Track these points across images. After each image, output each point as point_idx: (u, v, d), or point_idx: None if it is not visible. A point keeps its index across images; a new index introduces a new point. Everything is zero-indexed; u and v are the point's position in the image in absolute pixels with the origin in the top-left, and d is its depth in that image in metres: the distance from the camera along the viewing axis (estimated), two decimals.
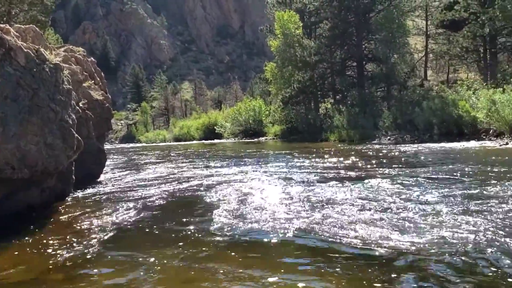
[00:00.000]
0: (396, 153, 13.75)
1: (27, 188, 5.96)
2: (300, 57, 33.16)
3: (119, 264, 3.77)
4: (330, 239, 4.10)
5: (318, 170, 9.85)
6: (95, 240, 4.54)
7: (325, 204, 5.65)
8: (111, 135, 75.64)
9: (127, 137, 76.76)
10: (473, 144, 15.82)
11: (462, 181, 7.13)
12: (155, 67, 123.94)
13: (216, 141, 41.27)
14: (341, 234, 4.24)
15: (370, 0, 32.83)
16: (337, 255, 3.68)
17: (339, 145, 21.53)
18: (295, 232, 4.42)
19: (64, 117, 6.09)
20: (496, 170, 8.31)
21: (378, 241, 3.95)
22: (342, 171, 9.40)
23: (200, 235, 4.53)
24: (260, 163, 12.37)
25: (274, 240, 4.23)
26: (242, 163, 12.66)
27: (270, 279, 3.19)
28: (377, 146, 18.20)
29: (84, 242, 4.44)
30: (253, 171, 10.37)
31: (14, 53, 5.42)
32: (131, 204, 6.43)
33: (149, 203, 6.55)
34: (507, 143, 14.76)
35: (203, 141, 44.37)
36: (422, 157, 12.09)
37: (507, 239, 3.82)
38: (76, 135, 6.39)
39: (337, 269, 3.34)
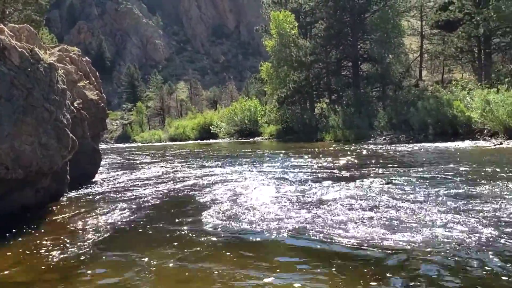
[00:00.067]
0: (391, 153, 13.79)
1: (22, 189, 5.94)
2: (295, 57, 33.20)
3: (113, 265, 3.76)
4: (324, 239, 4.11)
5: (313, 170, 9.87)
6: (90, 240, 4.53)
7: (319, 204, 5.67)
8: (106, 135, 75.42)
9: (122, 137, 76.53)
10: (467, 144, 15.90)
11: (454, 181, 7.16)
12: (150, 67, 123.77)
13: (211, 141, 41.24)
14: (334, 233, 4.25)
15: (365, 1, 32.92)
16: (331, 255, 3.70)
17: (334, 145, 21.55)
18: (290, 232, 4.43)
19: (59, 117, 6.07)
20: (490, 170, 8.35)
21: (372, 240, 3.97)
22: (337, 171, 9.43)
23: (194, 235, 4.53)
24: (255, 163, 12.38)
25: (268, 240, 4.23)
26: (237, 163, 12.66)
27: (266, 280, 3.19)
28: (372, 146, 18.25)
29: (79, 243, 4.43)
30: (248, 171, 10.37)
31: (8, 53, 5.40)
32: (126, 204, 6.41)
33: (144, 203, 6.54)
34: (501, 143, 14.84)
35: (199, 141, 44.33)
36: (416, 157, 12.13)
37: (498, 239, 3.84)
38: (71, 135, 6.38)
39: (332, 269, 3.34)
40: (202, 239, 4.37)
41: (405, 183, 7.13)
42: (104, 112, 10.44)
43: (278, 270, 3.39)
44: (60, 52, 9.46)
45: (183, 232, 4.66)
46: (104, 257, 3.96)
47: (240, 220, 4.99)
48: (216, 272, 3.41)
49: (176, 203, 6.68)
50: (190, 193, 7.36)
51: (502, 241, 3.79)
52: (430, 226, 4.34)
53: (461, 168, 8.73)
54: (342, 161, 11.98)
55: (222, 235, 4.47)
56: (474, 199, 5.50)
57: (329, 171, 9.57)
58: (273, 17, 34.00)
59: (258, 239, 4.29)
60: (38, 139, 5.60)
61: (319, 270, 3.36)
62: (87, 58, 10.85)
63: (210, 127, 48.48)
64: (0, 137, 5.04)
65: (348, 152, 15.10)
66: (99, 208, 6.24)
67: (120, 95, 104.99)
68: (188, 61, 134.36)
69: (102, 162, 11.38)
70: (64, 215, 5.91)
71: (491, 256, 3.44)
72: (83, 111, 8.87)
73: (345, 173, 9.01)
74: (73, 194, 7.75)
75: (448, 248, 3.66)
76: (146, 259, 3.78)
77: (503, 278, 3.05)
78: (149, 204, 6.53)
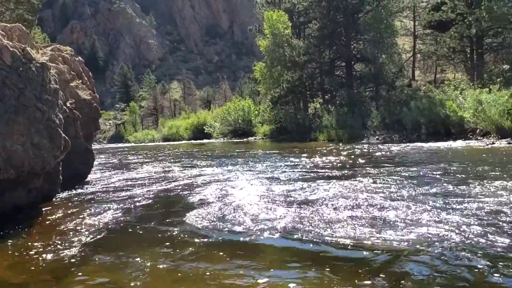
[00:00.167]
0: (383, 153, 13.85)
1: (13, 189, 5.90)
2: (289, 57, 33.23)
3: (107, 265, 3.75)
4: (315, 239, 4.12)
5: (305, 170, 9.89)
6: (83, 241, 4.51)
7: (310, 204, 5.69)
8: (99, 135, 75.15)
9: (115, 137, 76.24)
10: (459, 143, 16.00)
11: (444, 180, 7.20)
12: (143, 66, 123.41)
13: (205, 141, 41.19)
14: (325, 233, 4.27)
15: (359, 1, 33.01)
16: (323, 255, 3.71)
17: (328, 144, 21.60)
18: (281, 231, 4.43)
19: (51, 116, 6.03)
20: (480, 169, 8.42)
21: (362, 240, 3.99)
22: (329, 171, 9.45)
23: (186, 235, 4.52)
24: (248, 163, 12.38)
25: (260, 240, 4.23)
26: (230, 163, 12.66)
27: (260, 280, 3.19)
28: (365, 146, 18.31)
29: (72, 243, 4.41)
30: (241, 170, 10.38)
31: None
32: (118, 205, 6.40)
33: (137, 203, 6.52)
34: (493, 143, 14.94)
35: (192, 141, 44.26)
36: (409, 157, 12.19)
37: (486, 238, 3.86)
38: (63, 135, 6.34)
39: (326, 269, 3.35)
40: (194, 239, 4.36)
41: (396, 183, 7.17)
42: (97, 112, 10.39)
43: (271, 270, 3.40)
44: (53, 51, 9.41)
45: (175, 232, 4.65)
46: (97, 258, 3.95)
47: (232, 220, 4.99)
48: (210, 272, 3.40)
49: (168, 203, 6.67)
50: (183, 193, 7.35)
51: (490, 240, 3.81)
52: (419, 225, 4.37)
53: (452, 168, 8.78)
54: (335, 161, 12.01)
55: (214, 235, 4.47)
56: (463, 198, 5.53)
57: (321, 170, 9.60)
58: (267, 17, 34.01)
59: (250, 239, 4.29)
60: (30, 139, 5.56)
61: (312, 270, 3.36)
62: (80, 57, 10.80)
63: (204, 127, 48.41)
64: None
65: (341, 152, 15.14)
66: (91, 209, 6.21)
67: (113, 95, 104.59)
68: (181, 61, 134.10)
69: (95, 162, 11.33)
70: (56, 216, 5.88)
71: (478, 256, 3.46)
72: (76, 111, 8.82)
73: (337, 173, 9.04)
74: (65, 194, 7.72)
75: (436, 247, 3.68)
76: (139, 260, 3.77)
77: (490, 277, 3.06)
78: (142, 204, 6.52)
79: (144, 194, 7.35)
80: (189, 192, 7.35)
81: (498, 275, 3.09)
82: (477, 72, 27.15)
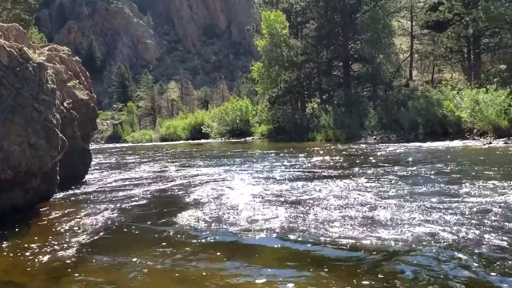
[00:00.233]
0: (381, 153, 13.86)
1: (11, 189, 5.88)
2: (286, 57, 33.22)
3: (103, 265, 3.74)
4: (312, 239, 4.13)
5: (302, 170, 9.90)
6: (80, 241, 4.50)
7: (307, 204, 5.71)
8: (97, 135, 74.92)
9: (113, 137, 76.10)
10: (457, 143, 16.03)
11: (440, 180, 7.22)
12: (141, 66, 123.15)
13: (203, 141, 41.16)
14: (321, 233, 4.28)
15: (356, 1, 33.00)
16: (320, 254, 3.72)
17: (325, 144, 21.62)
18: (278, 232, 4.44)
19: (48, 117, 6.02)
20: (477, 169, 8.45)
21: (362, 240, 4.01)
22: (326, 171, 9.46)
23: (184, 235, 4.53)
24: (245, 163, 12.39)
25: (258, 240, 4.24)
26: (228, 163, 12.66)
27: (258, 281, 3.19)
28: (362, 146, 18.33)
29: (69, 243, 4.41)
30: (238, 171, 10.38)
31: None
32: (115, 205, 6.39)
33: (134, 203, 6.52)
34: (490, 142, 14.98)
35: (190, 141, 44.22)
36: (406, 157, 12.20)
37: (479, 238, 3.87)
38: (61, 135, 6.33)
39: (324, 269, 3.35)
40: (192, 239, 4.37)
41: (391, 183, 7.19)
42: (94, 112, 10.38)
43: (269, 270, 3.40)
44: (50, 51, 9.39)
45: (172, 233, 4.65)
46: (94, 258, 3.94)
47: (229, 220, 5.00)
48: (208, 272, 3.40)
49: (166, 203, 6.67)
50: (180, 193, 7.35)
51: (483, 240, 3.83)
52: (413, 225, 4.38)
53: (449, 167, 8.80)
54: (332, 160, 12.03)
55: (211, 235, 4.47)
56: (458, 198, 5.56)
57: (318, 170, 9.61)
58: (264, 17, 33.99)
59: (247, 239, 4.30)
60: (27, 139, 5.55)
61: (310, 269, 3.37)
62: (77, 57, 10.79)
63: (201, 127, 48.34)
64: None
65: (338, 152, 15.16)
66: (88, 209, 6.21)
67: (111, 95, 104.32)
68: (179, 61, 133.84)
69: (93, 162, 11.32)
70: (53, 216, 5.87)
71: (471, 255, 3.47)
72: (73, 111, 8.81)
73: (333, 173, 9.06)
74: (63, 194, 7.71)
75: (430, 247, 3.70)
76: (137, 260, 3.76)
77: (482, 277, 3.07)
78: (139, 204, 6.52)
79: (141, 194, 7.35)
80: (186, 192, 7.35)
81: (491, 275, 3.10)
82: (474, 72, 27.20)
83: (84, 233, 4.83)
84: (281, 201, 5.98)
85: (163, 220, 5.26)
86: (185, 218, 5.27)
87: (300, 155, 14.50)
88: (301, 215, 5.03)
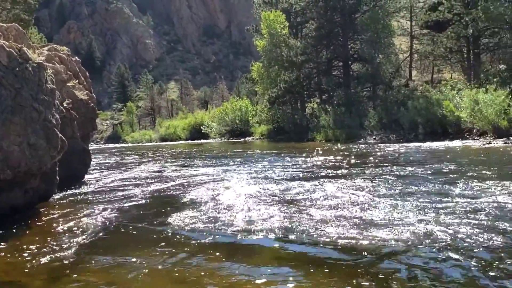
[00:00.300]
0: (380, 153, 13.87)
1: (10, 189, 5.88)
2: (286, 57, 33.20)
3: (103, 265, 3.74)
4: (311, 239, 4.14)
5: (302, 170, 9.90)
6: (79, 241, 4.50)
7: (305, 204, 5.73)
8: (96, 135, 74.84)
9: (112, 137, 76.04)
10: (456, 143, 16.04)
11: (438, 180, 7.23)
12: (141, 66, 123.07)
13: (202, 141, 41.16)
14: (320, 233, 4.29)
15: (356, 1, 33.00)
16: (321, 255, 3.72)
17: (325, 144, 21.62)
18: (277, 232, 4.44)
19: (48, 117, 6.02)
20: (476, 169, 8.44)
21: (360, 240, 4.01)
22: (324, 171, 9.47)
23: (182, 235, 4.53)
24: (244, 163, 12.38)
25: (257, 240, 4.23)
26: (227, 163, 12.66)
27: (258, 281, 3.18)
28: (362, 146, 18.34)
29: (68, 243, 4.40)
30: (238, 171, 10.38)
31: None
32: (115, 205, 6.39)
33: (133, 204, 6.52)
34: (490, 142, 14.98)
35: (190, 141, 44.21)
36: (405, 157, 12.21)
37: (474, 239, 3.88)
38: (60, 135, 6.32)
39: (325, 269, 3.35)
40: (191, 239, 4.37)
41: (389, 183, 7.19)
42: (94, 112, 10.38)
43: (268, 270, 3.40)
44: (49, 51, 9.38)
45: (172, 233, 4.65)
46: (94, 258, 3.94)
47: (228, 220, 5.00)
48: (208, 272, 3.40)
49: (165, 203, 6.67)
50: (179, 193, 7.35)
51: (478, 240, 3.83)
52: (409, 225, 4.39)
53: (448, 167, 8.81)
54: (331, 161, 12.03)
55: (210, 235, 4.47)
56: (455, 198, 5.58)
57: (317, 170, 9.62)
58: (264, 17, 33.98)
59: (245, 239, 4.30)
60: (27, 139, 5.55)
61: (311, 270, 3.37)
62: (76, 57, 10.78)
63: (201, 127, 48.31)
64: None
65: (338, 152, 15.16)
66: (88, 209, 6.21)
67: (110, 95, 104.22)
68: (179, 61, 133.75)
69: (92, 163, 11.32)
70: (53, 216, 5.87)
71: (466, 256, 3.47)
72: (73, 111, 8.80)
73: (333, 173, 9.06)
74: (62, 194, 7.71)
75: (427, 247, 3.71)
76: (136, 260, 3.76)
77: (476, 278, 3.07)
78: (138, 204, 6.52)
79: (140, 194, 7.35)
80: (185, 192, 7.35)
81: (486, 275, 3.10)
82: (474, 72, 27.19)
83: (84, 233, 4.82)
84: (280, 201, 5.98)
85: (162, 220, 5.26)
86: (184, 218, 5.27)
87: (300, 155, 14.50)
88: (300, 215, 5.03)
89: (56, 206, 6.61)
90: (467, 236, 3.94)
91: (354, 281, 3.08)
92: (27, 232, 5.05)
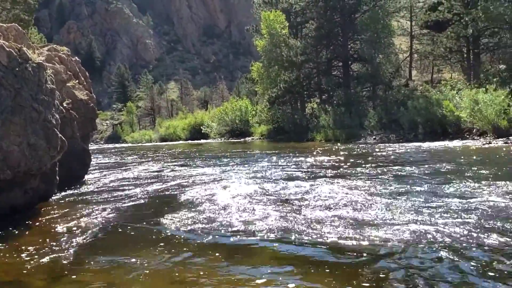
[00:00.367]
0: (380, 153, 13.86)
1: (10, 189, 5.88)
2: (286, 57, 33.19)
3: (103, 266, 3.74)
4: (312, 239, 4.13)
5: (302, 170, 9.90)
6: (79, 241, 4.50)
7: (304, 204, 5.73)
8: (96, 135, 74.84)
9: (112, 137, 76.05)
10: (456, 143, 16.04)
11: (437, 180, 7.23)
12: (140, 66, 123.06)
13: (202, 141, 41.15)
14: (318, 233, 4.29)
15: (356, 1, 33.00)
16: (321, 255, 3.72)
17: (325, 145, 21.62)
18: (276, 232, 4.44)
19: (48, 117, 6.02)
20: (475, 168, 8.44)
21: (359, 240, 4.02)
22: (325, 171, 9.47)
23: (182, 236, 4.53)
24: (244, 163, 12.38)
25: (256, 241, 4.23)
26: (227, 163, 12.65)
27: (258, 281, 3.19)
28: (362, 146, 18.34)
29: (68, 243, 4.40)
30: (238, 171, 10.38)
31: None
32: (114, 205, 6.39)
33: (133, 204, 6.52)
34: (489, 142, 14.98)
35: (189, 141, 44.20)
36: (404, 157, 12.20)
37: (470, 239, 3.88)
38: (60, 135, 6.33)
39: (325, 269, 3.36)
40: (190, 239, 4.37)
41: (389, 183, 7.19)
42: (94, 112, 10.38)
43: (268, 271, 3.39)
44: (49, 51, 9.39)
45: (171, 233, 4.66)
46: (94, 258, 3.94)
47: (228, 220, 5.00)
48: (207, 272, 3.40)
49: (164, 203, 6.67)
50: (179, 193, 7.35)
51: (475, 241, 3.83)
52: (407, 225, 4.40)
53: (447, 167, 8.82)
54: (331, 161, 12.03)
55: (210, 235, 4.47)
56: (453, 198, 5.57)
57: (317, 170, 9.62)
58: (264, 17, 33.97)
59: (245, 239, 4.30)
60: (27, 139, 5.55)
61: (311, 270, 3.37)
62: (76, 57, 10.78)
63: (201, 127, 48.29)
64: None
65: (338, 152, 15.15)
66: (87, 209, 6.21)
67: (110, 95, 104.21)
68: (178, 61, 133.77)
69: (92, 163, 11.32)
70: (53, 216, 5.87)
71: (462, 256, 3.47)
72: (73, 111, 8.81)
73: (332, 173, 9.07)
74: (62, 194, 7.71)
75: (423, 247, 3.72)
76: (136, 260, 3.76)
77: (472, 279, 3.07)
78: (138, 204, 6.52)
79: (140, 195, 7.35)
80: (185, 192, 7.35)
81: (481, 275, 3.10)
82: (474, 72, 27.18)
83: (84, 233, 4.82)
84: (279, 202, 5.98)
85: (162, 221, 5.26)
86: (184, 218, 5.27)
87: (300, 155, 14.50)
88: (300, 215, 5.03)
89: (56, 206, 6.61)
90: (464, 236, 3.95)
91: (354, 281, 3.09)
92: (27, 232, 5.05)
